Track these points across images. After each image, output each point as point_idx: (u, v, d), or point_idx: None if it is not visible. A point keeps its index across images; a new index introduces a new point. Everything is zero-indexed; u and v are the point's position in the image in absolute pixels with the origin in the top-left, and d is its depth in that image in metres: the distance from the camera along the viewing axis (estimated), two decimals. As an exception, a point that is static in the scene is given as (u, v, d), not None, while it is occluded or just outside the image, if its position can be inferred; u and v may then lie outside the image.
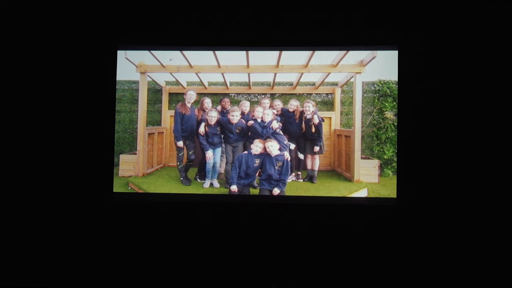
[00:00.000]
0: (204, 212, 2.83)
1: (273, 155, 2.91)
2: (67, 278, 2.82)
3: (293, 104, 3.13)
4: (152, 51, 2.87)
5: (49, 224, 2.83)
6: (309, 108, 3.06)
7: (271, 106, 3.06)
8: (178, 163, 3.08)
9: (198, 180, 3.08)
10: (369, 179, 2.87)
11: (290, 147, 3.05)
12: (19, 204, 2.83)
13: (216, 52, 2.85)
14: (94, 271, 2.82)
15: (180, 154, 3.10)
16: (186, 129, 3.09)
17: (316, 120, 3.04)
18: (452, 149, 2.73)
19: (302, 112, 3.09)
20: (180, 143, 3.07)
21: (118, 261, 2.82)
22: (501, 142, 2.71)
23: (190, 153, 3.13)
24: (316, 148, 3.09)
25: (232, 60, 2.90)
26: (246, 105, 3.11)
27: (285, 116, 3.14)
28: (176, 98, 3.16)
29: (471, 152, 2.73)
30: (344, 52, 2.81)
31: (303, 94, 3.13)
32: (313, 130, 3.06)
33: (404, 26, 2.77)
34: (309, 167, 3.12)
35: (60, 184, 2.84)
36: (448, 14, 2.76)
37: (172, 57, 2.88)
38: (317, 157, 3.13)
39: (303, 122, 3.08)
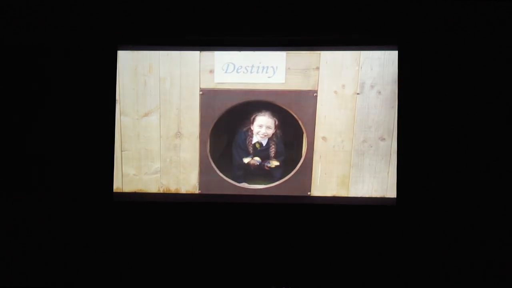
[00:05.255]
0: (204, 212, 2.83)
1: None
2: (67, 278, 2.83)
3: None
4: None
5: (48, 224, 2.85)
6: None
7: None
8: None
9: None
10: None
11: None
12: (18, 204, 2.84)
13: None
14: (94, 272, 2.83)
15: None
16: None
17: None
18: (453, 149, 2.73)
19: None
20: None
21: (118, 262, 2.83)
22: (503, 142, 2.71)
23: None
24: None
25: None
26: None
27: None
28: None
29: (473, 152, 2.72)
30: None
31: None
32: None
33: (404, 26, 2.77)
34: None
35: (60, 184, 2.85)
36: (449, 14, 2.76)
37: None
38: None
39: None
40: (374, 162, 2.77)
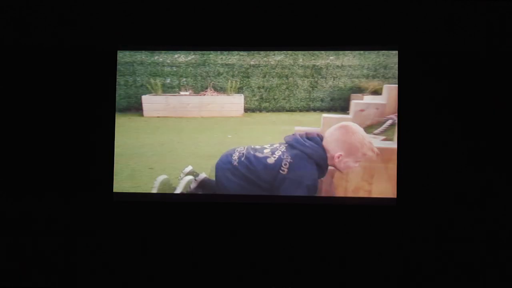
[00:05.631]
0: (205, 212, 2.83)
1: None
2: (67, 278, 2.82)
3: None
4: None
5: (48, 224, 2.84)
6: None
7: None
8: None
9: None
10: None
11: None
12: (16, 204, 2.84)
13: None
14: (94, 272, 2.83)
15: None
16: None
17: None
18: (453, 149, 2.73)
19: None
20: None
21: (117, 261, 2.82)
22: (503, 142, 2.71)
23: None
24: None
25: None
26: None
27: None
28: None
29: (473, 152, 2.72)
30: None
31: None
32: None
33: (404, 26, 2.77)
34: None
35: (60, 184, 2.85)
36: (449, 14, 2.76)
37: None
38: None
39: None
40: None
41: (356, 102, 2.77)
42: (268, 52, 2.83)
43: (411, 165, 2.72)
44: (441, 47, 2.75)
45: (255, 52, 2.84)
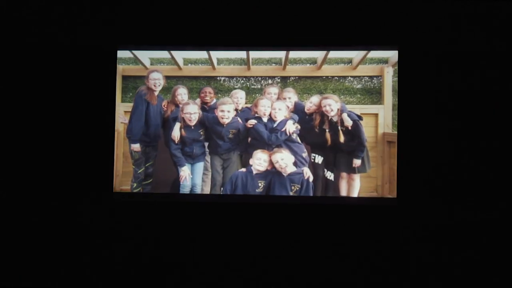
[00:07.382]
0: (205, 212, 2.83)
1: (286, 174, 2.29)
2: (67, 278, 2.82)
3: (312, 102, 2.28)
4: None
5: (49, 224, 2.84)
6: (331, 106, 2.28)
7: (280, 98, 2.31)
8: (134, 183, 2.28)
9: None
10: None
11: (316, 160, 2.29)
12: (17, 204, 2.84)
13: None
14: (94, 271, 2.82)
15: (139, 171, 2.26)
16: (150, 129, 2.31)
17: (348, 122, 2.22)
18: (453, 149, 2.73)
19: (322, 115, 2.27)
20: (137, 147, 2.29)
21: (117, 261, 2.82)
22: (503, 142, 2.71)
23: (147, 165, 2.34)
24: (356, 162, 2.25)
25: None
26: (241, 96, 2.30)
27: (300, 118, 2.34)
28: (135, 84, 2.49)
29: (472, 152, 2.72)
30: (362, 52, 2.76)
31: (332, 77, 2.29)
32: (342, 139, 2.24)
33: (404, 26, 2.77)
34: (343, 192, 2.38)
35: (60, 184, 2.85)
36: (449, 14, 2.76)
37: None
38: (356, 177, 2.41)
39: (327, 130, 2.32)
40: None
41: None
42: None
43: (411, 165, 2.72)
44: (441, 47, 2.76)
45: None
